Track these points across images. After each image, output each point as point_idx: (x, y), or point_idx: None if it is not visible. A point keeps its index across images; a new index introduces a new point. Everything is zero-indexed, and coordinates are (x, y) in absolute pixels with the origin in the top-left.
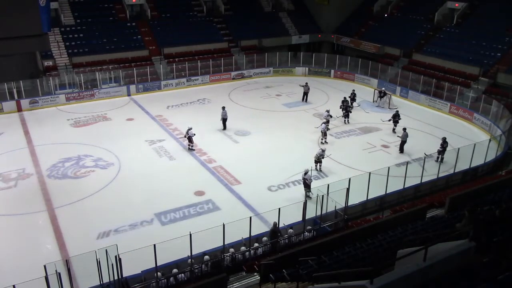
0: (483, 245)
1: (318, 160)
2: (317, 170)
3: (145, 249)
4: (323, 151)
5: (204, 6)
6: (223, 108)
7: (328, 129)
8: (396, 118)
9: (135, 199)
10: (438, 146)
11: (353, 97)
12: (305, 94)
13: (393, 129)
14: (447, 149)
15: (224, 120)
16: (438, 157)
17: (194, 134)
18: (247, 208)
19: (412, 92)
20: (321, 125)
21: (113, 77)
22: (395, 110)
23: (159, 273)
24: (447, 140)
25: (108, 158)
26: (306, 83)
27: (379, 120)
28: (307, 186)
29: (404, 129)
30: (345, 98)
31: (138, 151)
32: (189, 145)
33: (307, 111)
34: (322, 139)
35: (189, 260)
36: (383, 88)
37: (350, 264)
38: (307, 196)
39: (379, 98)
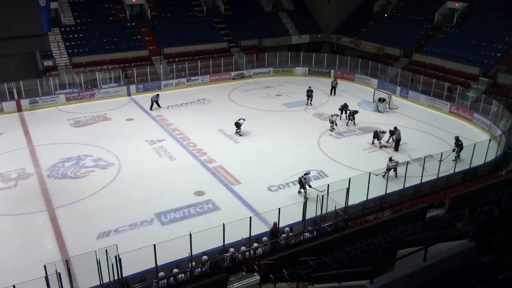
0: (483, 245)
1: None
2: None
3: (145, 249)
4: (333, 115)
5: (204, 6)
6: (157, 95)
7: (333, 129)
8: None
9: (135, 199)
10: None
11: (335, 84)
12: (333, 88)
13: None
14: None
15: (155, 102)
16: (455, 156)
17: (240, 124)
18: (247, 208)
19: (412, 92)
20: (333, 117)
21: (113, 77)
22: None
23: (161, 273)
24: (460, 138)
25: (108, 158)
26: (335, 78)
27: (379, 120)
28: (302, 185)
29: (396, 128)
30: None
31: (138, 151)
32: (238, 131)
33: (307, 111)
34: (332, 126)
35: (190, 263)
36: (381, 96)
37: (350, 264)
38: (301, 195)
39: (377, 106)
